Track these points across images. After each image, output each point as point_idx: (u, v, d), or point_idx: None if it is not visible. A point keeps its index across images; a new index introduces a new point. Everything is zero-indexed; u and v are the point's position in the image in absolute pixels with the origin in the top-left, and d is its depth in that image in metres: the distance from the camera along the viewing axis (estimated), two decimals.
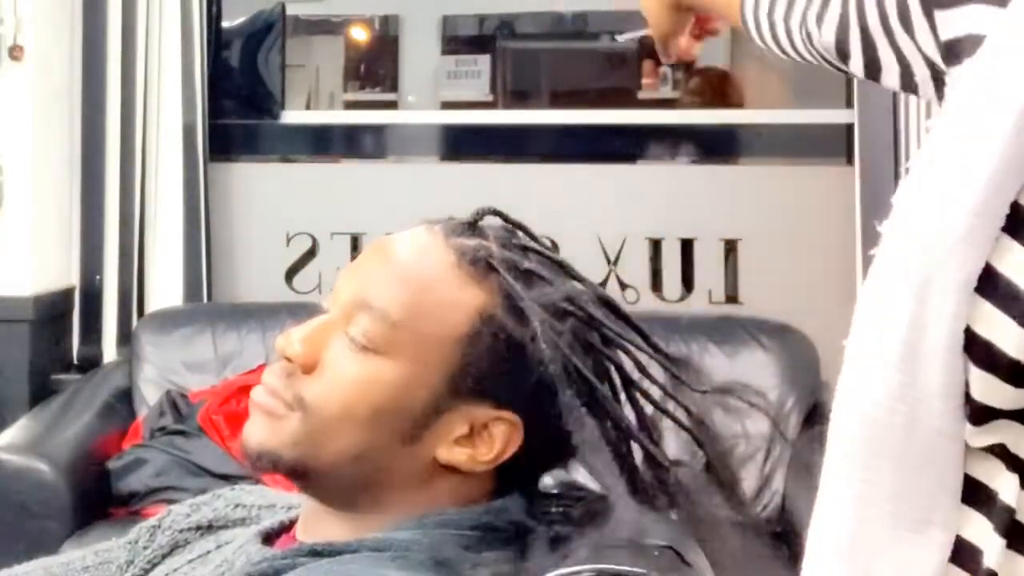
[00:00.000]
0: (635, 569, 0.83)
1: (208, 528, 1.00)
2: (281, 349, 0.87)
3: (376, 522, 0.87)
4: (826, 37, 0.91)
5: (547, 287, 0.87)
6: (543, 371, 0.83)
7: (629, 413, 0.89)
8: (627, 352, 0.89)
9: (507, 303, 0.85)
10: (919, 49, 0.78)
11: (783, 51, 1.04)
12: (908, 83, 0.81)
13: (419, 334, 0.85)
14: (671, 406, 0.88)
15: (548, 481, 0.94)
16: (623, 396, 0.89)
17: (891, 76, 0.83)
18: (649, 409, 0.90)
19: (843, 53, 0.89)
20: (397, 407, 0.85)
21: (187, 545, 0.99)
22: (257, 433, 0.87)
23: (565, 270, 0.90)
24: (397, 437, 0.85)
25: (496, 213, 0.92)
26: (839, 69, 0.94)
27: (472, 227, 0.90)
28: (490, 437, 0.85)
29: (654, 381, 0.89)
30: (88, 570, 1.03)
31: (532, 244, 0.91)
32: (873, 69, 0.86)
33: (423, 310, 0.85)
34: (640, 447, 0.87)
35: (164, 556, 0.99)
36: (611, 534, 0.85)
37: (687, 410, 0.88)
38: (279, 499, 1.01)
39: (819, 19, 0.93)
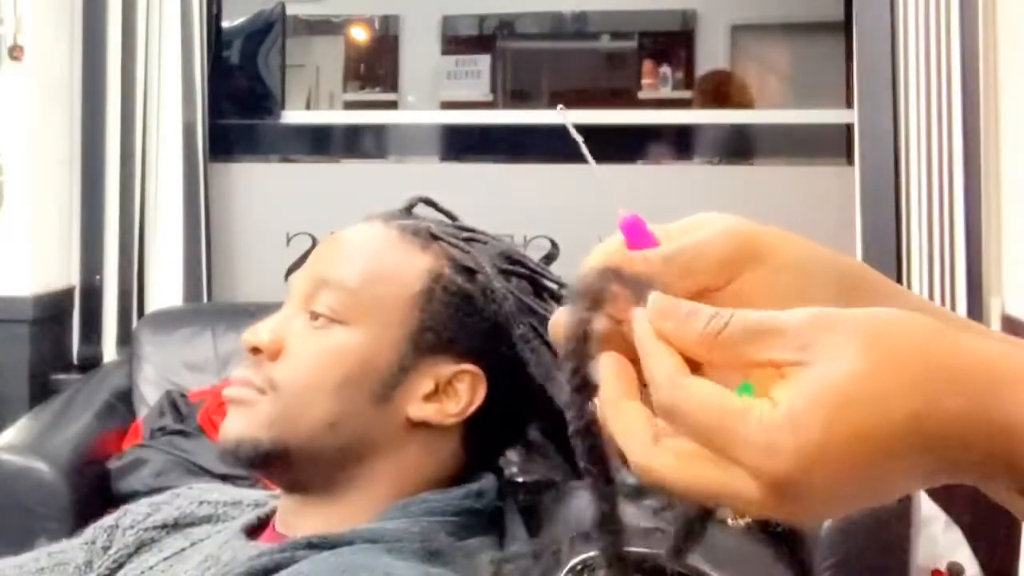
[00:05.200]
0: (653, 551, 0.83)
1: (175, 526, 1.00)
2: (248, 342, 0.91)
3: (357, 504, 0.88)
4: None
5: (487, 246, 0.94)
6: (496, 317, 0.89)
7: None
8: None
9: (453, 263, 0.91)
10: None
11: None
12: None
13: (377, 297, 0.90)
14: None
15: (515, 469, 0.97)
16: None
17: None
18: None
19: None
20: (364, 370, 0.88)
21: (154, 544, 0.99)
22: (234, 424, 0.89)
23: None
24: (368, 400, 0.88)
25: (428, 202, 1.00)
26: None
27: (407, 213, 0.97)
28: (455, 392, 0.90)
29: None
30: (43, 572, 1.03)
31: (466, 225, 0.98)
32: None
33: (377, 275, 0.91)
34: None
35: (130, 555, 0.99)
36: (583, 517, 0.87)
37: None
38: (244, 496, 1.02)
39: None
